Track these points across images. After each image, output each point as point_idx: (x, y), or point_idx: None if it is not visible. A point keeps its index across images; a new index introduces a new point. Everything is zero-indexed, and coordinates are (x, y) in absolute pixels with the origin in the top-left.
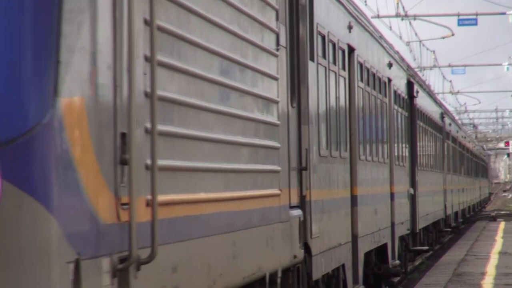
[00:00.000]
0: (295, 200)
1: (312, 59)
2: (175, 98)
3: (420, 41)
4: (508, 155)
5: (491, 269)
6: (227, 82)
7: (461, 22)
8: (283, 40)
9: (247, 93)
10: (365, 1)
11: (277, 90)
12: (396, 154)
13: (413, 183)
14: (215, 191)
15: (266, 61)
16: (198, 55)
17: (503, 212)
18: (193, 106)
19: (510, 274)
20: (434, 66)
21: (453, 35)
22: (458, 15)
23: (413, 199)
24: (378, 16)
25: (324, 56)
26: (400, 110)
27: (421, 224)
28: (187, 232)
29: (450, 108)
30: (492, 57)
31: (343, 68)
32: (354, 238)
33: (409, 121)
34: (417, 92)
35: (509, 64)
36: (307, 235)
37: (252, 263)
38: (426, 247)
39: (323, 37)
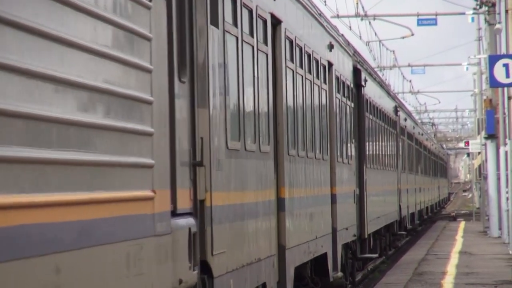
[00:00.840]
0: (184, 205)
1: (215, 23)
2: None
3: (380, 41)
4: (468, 154)
5: (451, 268)
6: (49, 30)
7: (420, 22)
8: None
9: (91, 51)
10: (325, 1)
11: (150, 55)
12: (339, 150)
13: (361, 183)
14: (24, 192)
15: (131, 11)
16: None
17: (463, 211)
18: None
19: (470, 273)
20: (394, 66)
21: (412, 35)
22: (418, 15)
23: (360, 200)
24: (338, 16)
25: (235, 23)
26: (344, 99)
27: (370, 228)
28: None
29: (410, 108)
30: (452, 57)
31: (265, 43)
32: (281, 250)
33: (356, 113)
34: (366, 80)
35: (468, 64)
36: (206, 251)
37: None
38: (375, 255)
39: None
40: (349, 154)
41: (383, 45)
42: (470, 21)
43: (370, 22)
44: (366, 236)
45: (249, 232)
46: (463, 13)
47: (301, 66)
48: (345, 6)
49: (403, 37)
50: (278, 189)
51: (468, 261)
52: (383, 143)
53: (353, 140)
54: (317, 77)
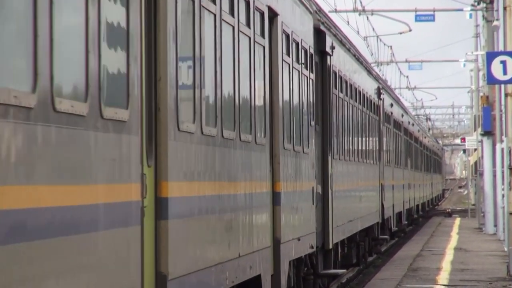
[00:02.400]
0: None
1: None
2: None
3: (377, 36)
4: (464, 151)
5: (446, 264)
6: None
7: (418, 18)
8: None
9: None
10: None
11: None
12: (286, 132)
13: (324, 179)
14: None
15: None
16: None
17: (458, 208)
18: None
19: (465, 270)
20: (391, 62)
21: (410, 30)
22: (416, 10)
23: (323, 201)
24: (336, 11)
25: None
26: (298, 67)
27: (338, 236)
28: None
29: (407, 104)
30: (450, 53)
31: None
32: (161, 280)
33: (319, 88)
34: (333, 48)
35: (466, 61)
36: None
37: None
38: (342, 270)
39: None
40: (306, 139)
41: (380, 40)
42: (468, 17)
43: (368, 17)
44: (331, 246)
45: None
46: (461, 10)
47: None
48: (343, 1)
49: (400, 33)
50: (158, 188)
51: (463, 257)
52: (359, 130)
53: (312, 123)
54: (248, 25)
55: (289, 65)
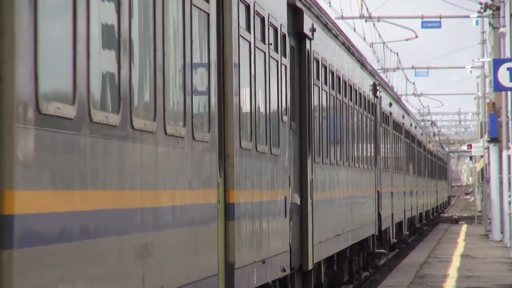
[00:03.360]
0: None
1: None
2: None
3: (384, 43)
4: (471, 158)
5: (453, 271)
6: None
7: (424, 25)
8: None
9: None
10: (329, 2)
11: None
12: (247, 129)
13: (302, 186)
14: None
15: None
16: None
17: (465, 215)
18: None
19: (472, 277)
20: (398, 68)
21: (416, 37)
22: (422, 17)
23: (302, 212)
24: (342, 17)
25: None
26: (264, 48)
27: (320, 253)
28: None
29: (413, 110)
30: (456, 59)
31: None
32: (229, 268)
33: (295, 77)
34: (313, 30)
35: (472, 67)
36: None
37: None
38: None
39: None
40: (275, 138)
41: (387, 47)
42: (475, 24)
43: (374, 24)
44: (310, 267)
45: None
46: (468, 16)
47: None
48: (350, 8)
49: (407, 39)
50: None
51: (470, 264)
52: (350, 131)
53: (285, 118)
54: None
55: (250, 43)
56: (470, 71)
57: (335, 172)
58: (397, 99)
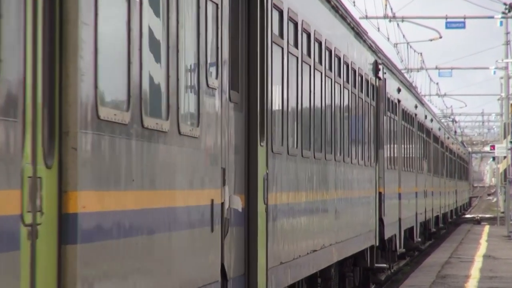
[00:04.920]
0: None
1: None
2: None
3: (408, 43)
4: (494, 158)
5: (475, 272)
6: None
7: (449, 25)
8: None
9: None
10: (354, 2)
11: None
12: (105, 88)
13: (250, 184)
14: None
15: None
16: None
17: (487, 216)
18: None
19: (494, 277)
20: (421, 68)
21: (440, 37)
22: (446, 17)
23: (248, 222)
24: (366, 17)
25: None
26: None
27: (281, 279)
28: None
29: (436, 110)
30: (480, 60)
31: None
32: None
33: (240, 26)
34: None
35: (496, 68)
36: None
37: None
38: None
39: None
40: (185, 110)
41: (410, 47)
42: (499, 25)
43: (398, 24)
44: None
45: None
46: (492, 17)
47: None
48: (374, 7)
49: (431, 40)
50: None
51: (492, 265)
52: (338, 115)
53: (214, 82)
54: None
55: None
56: (494, 72)
57: (311, 167)
58: (408, 86)
